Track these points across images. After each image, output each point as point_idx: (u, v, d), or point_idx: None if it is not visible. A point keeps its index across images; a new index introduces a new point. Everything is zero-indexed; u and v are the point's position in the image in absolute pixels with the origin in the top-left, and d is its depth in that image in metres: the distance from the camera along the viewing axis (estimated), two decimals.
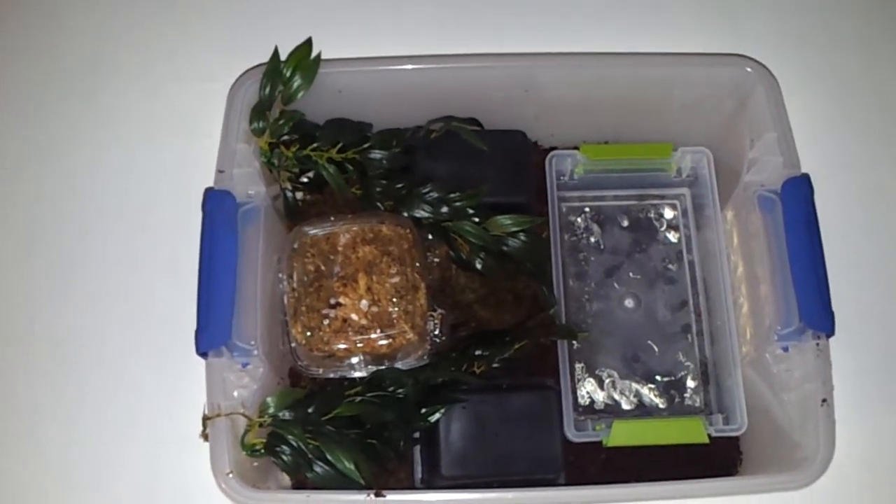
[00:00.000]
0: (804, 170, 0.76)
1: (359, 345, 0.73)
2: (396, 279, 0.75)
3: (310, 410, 0.69)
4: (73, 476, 0.79)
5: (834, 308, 0.72)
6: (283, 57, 0.76)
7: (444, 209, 0.78)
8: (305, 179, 0.82)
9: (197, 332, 0.68)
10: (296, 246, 0.76)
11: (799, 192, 0.75)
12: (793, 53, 0.91)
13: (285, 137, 0.77)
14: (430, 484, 0.76)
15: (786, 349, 0.73)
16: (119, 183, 0.88)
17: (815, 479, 0.69)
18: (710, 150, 0.85)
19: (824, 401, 0.71)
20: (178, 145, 0.89)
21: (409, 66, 0.78)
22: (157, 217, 0.86)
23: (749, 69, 0.79)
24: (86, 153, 0.89)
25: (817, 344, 0.72)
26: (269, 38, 0.77)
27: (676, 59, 0.82)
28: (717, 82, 0.81)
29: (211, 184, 0.74)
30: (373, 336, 0.73)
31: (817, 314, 0.72)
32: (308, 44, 0.76)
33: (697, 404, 0.84)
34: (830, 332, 0.72)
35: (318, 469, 0.68)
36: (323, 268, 0.75)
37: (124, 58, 0.93)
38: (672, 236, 0.89)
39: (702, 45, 0.85)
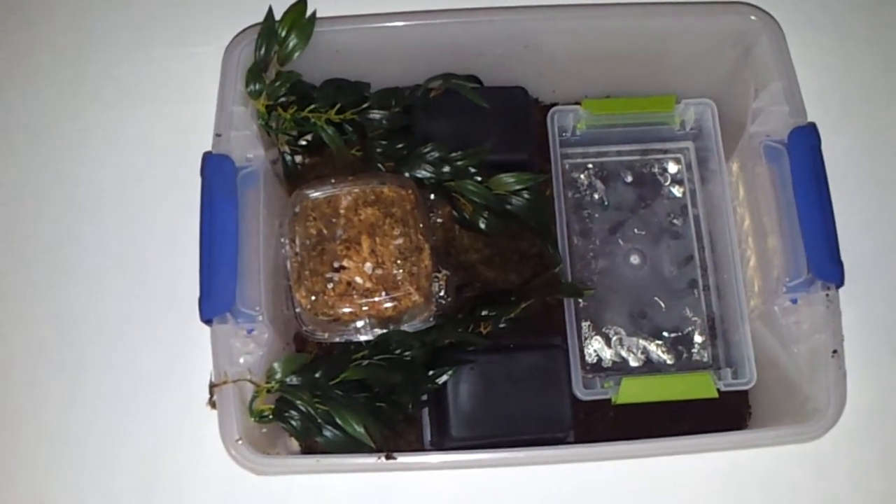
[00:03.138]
0: (810, 119, 0.75)
1: (364, 308, 0.72)
2: (400, 241, 0.74)
3: (317, 375, 0.69)
4: (80, 449, 0.78)
5: (843, 258, 0.71)
6: (277, 17, 0.74)
7: (446, 169, 0.76)
8: (304, 142, 0.80)
9: (200, 300, 0.67)
10: (297, 210, 0.75)
11: (806, 141, 0.74)
12: (796, 1, 0.89)
13: (282, 99, 0.75)
14: (439, 445, 0.76)
15: (794, 301, 0.73)
16: (114, 152, 0.87)
17: (826, 431, 0.69)
18: (713, 101, 0.84)
19: (835, 352, 0.70)
20: (173, 112, 0.88)
21: (407, 23, 0.77)
22: (154, 185, 0.85)
23: (753, 17, 0.77)
24: (78, 123, 0.88)
25: (827, 295, 0.71)
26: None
27: (678, 8, 0.80)
28: (720, 32, 0.79)
29: (207, 149, 0.72)
30: (378, 299, 0.72)
31: (826, 265, 0.71)
32: (303, 3, 0.74)
33: (705, 359, 0.83)
34: (840, 282, 0.71)
35: (327, 433, 0.67)
36: (325, 231, 0.74)
37: (113, 25, 0.91)
38: (676, 190, 0.88)
39: None
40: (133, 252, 0.83)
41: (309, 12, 0.74)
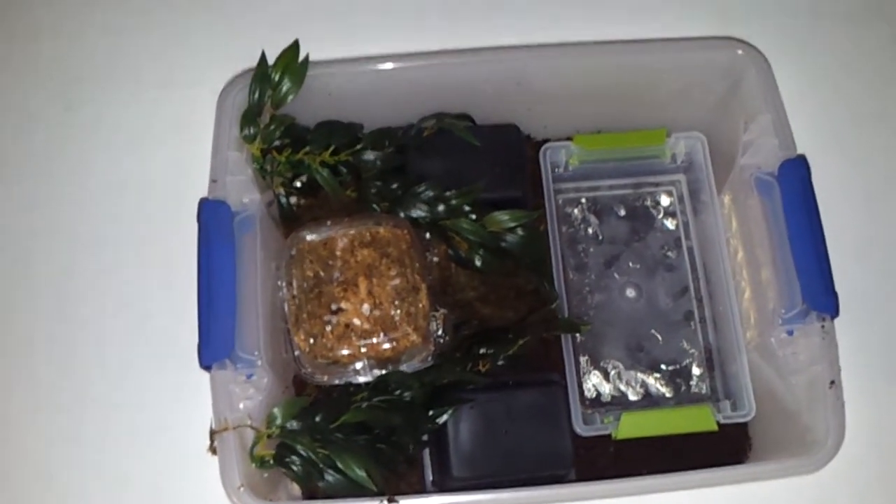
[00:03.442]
0: (799, 151, 0.76)
1: (363, 349, 0.72)
2: (397, 281, 0.74)
3: (317, 419, 0.69)
4: (80, 498, 0.78)
5: (837, 289, 0.71)
6: (270, 61, 0.75)
7: (441, 208, 0.77)
8: (299, 184, 0.81)
9: (199, 346, 0.67)
10: (293, 252, 0.75)
11: (796, 173, 0.74)
12: (781, 34, 0.90)
13: (277, 142, 0.76)
14: (441, 486, 0.76)
15: (790, 333, 0.73)
16: (108, 195, 0.87)
17: (827, 463, 0.69)
18: (703, 134, 0.84)
19: (832, 383, 0.71)
20: (167, 153, 0.87)
21: (398, 65, 0.77)
22: (150, 228, 0.85)
23: (740, 51, 0.78)
24: (71, 165, 0.88)
25: (822, 326, 0.72)
26: (255, 40, 0.76)
27: (666, 45, 0.81)
28: (708, 66, 0.80)
29: (203, 191, 0.73)
30: (376, 340, 0.72)
31: (821, 296, 0.71)
32: (295, 46, 0.75)
33: (704, 391, 0.83)
34: (835, 313, 0.71)
35: (329, 478, 0.67)
36: (322, 273, 0.74)
37: (108, 66, 0.91)
38: (670, 223, 0.88)
39: (691, 30, 0.84)
40: (129, 297, 0.83)
41: (302, 56, 0.75)
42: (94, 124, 0.89)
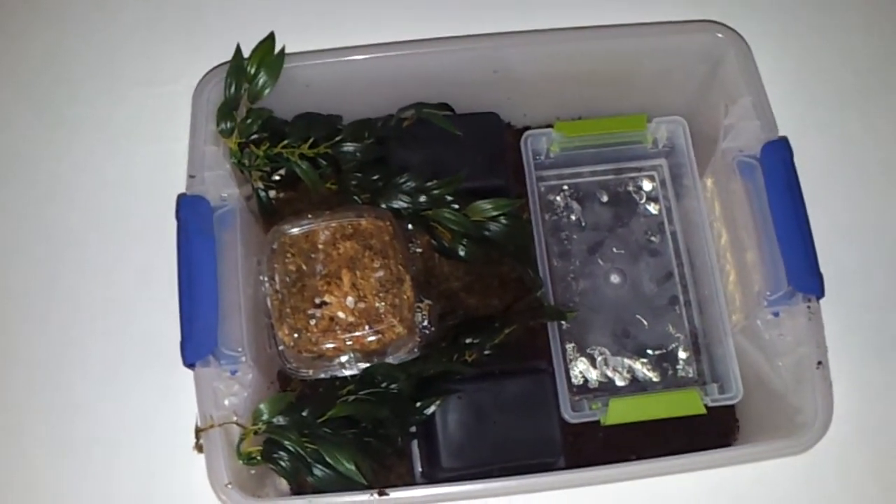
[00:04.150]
0: (781, 133, 0.75)
1: (348, 343, 0.72)
2: (380, 273, 0.73)
3: (304, 413, 0.68)
4: (67, 499, 0.77)
5: (822, 270, 0.71)
6: (245, 54, 0.74)
7: (423, 198, 0.76)
8: (278, 177, 0.80)
9: (182, 344, 0.67)
10: (275, 246, 0.74)
11: (778, 155, 0.74)
12: (760, 16, 0.91)
13: (254, 136, 0.75)
14: (430, 477, 0.75)
15: (776, 314, 0.73)
16: (86, 193, 0.86)
17: (815, 443, 0.69)
18: (685, 118, 0.84)
19: (819, 363, 0.71)
20: (144, 151, 0.87)
21: (375, 55, 0.77)
22: (129, 226, 0.84)
23: (719, 34, 0.78)
24: (49, 164, 0.87)
25: (808, 307, 0.72)
26: (229, 35, 0.75)
27: (644, 28, 0.80)
28: (688, 50, 0.80)
29: (181, 189, 0.72)
30: (361, 333, 0.72)
31: (806, 277, 0.71)
32: (271, 39, 0.74)
33: (691, 375, 0.83)
34: (820, 294, 0.71)
35: (317, 472, 0.66)
36: (304, 267, 0.73)
37: (82, 65, 0.90)
38: (652, 208, 0.88)
39: (670, 14, 0.84)
40: (110, 296, 0.82)
41: (277, 48, 0.74)
42: (70, 123, 0.88)
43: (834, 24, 0.92)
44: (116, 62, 0.90)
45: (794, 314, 0.72)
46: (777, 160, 0.74)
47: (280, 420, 0.68)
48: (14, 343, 0.81)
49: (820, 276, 0.71)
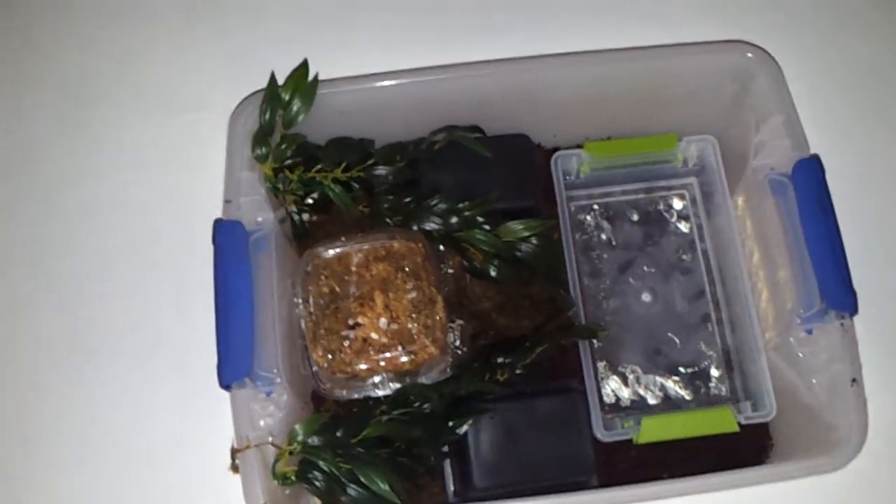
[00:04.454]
0: (812, 150, 0.75)
1: (381, 363, 0.73)
2: (413, 294, 0.74)
3: (338, 434, 0.69)
4: None
5: (855, 286, 0.71)
6: (280, 81, 0.75)
7: (454, 219, 0.77)
8: (311, 200, 0.81)
9: (219, 366, 0.68)
10: (309, 269, 0.75)
11: (810, 173, 0.74)
12: (790, 35, 0.90)
13: (289, 161, 0.76)
14: (463, 496, 0.76)
15: (810, 332, 0.73)
16: (123, 219, 0.87)
17: (850, 461, 0.69)
18: (715, 137, 0.84)
19: (854, 380, 0.70)
20: (179, 177, 0.88)
21: (406, 80, 0.78)
22: (166, 251, 0.85)
23: (750, 54, 0.78)
24: (83, 192, 0.88)
25: (842, 324, 0.72)
26: (260, 63, 0.77)
27: (675, 49, 0.81)
28: (718, 70, 0.81)
29: (213, 214, 0.73)
30: (394, 353, 0.73)
31: (839, 294, 0.71)
32: (305, 66, 0.75)
33: (723, 393, 0.83)
34: (854, 311, 0.71)
35: (352, 492, 0.67)
36: (338, 289, 0.74)
37: (119, 90, 0.92)
38: (683, 226, 0.88)
39: (699, 34, 0.84)
40: (146, 320, 0.84)
41: (311, 75, 0.75)
42: (107, 149, 0.90)
43: (863, 41, 0.92)
44: (151, 88, 0.92)
45: (828, 331, 0.72)
46: (809, 178, 0.74)
47: (315, 440, 0.69)
48: (52, 370, 0.83)
49: (853, 293, 0.71)
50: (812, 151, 0.75)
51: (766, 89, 0.78)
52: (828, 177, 0.74)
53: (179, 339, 0.82)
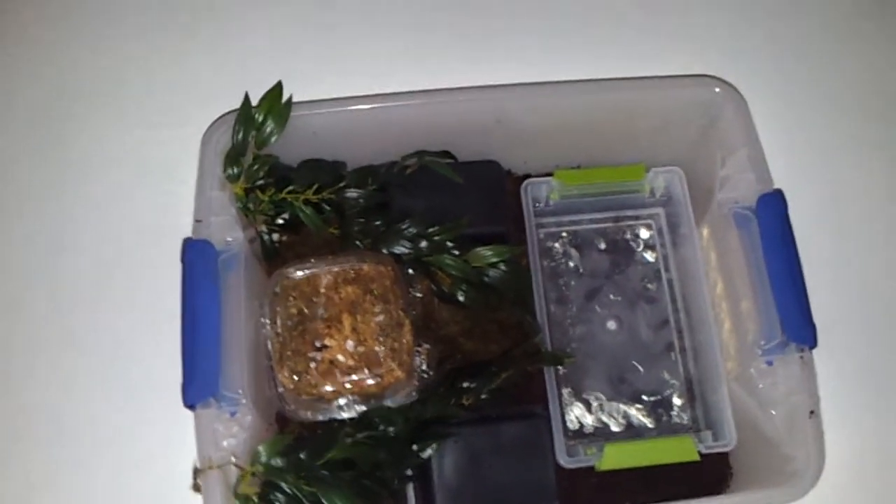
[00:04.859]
0: (776, 185, 0.77)
1: (347, 386, 0.73)
2: (381, 317, 0.75)
3: (302, 455, 0.69)
4: None
5: (815, 320, 0.73)
6: (254, 102, 0.76)
7: (424, 244, 0.78)
8: (281, 220, 0.81)
9: (184, 385, 0.68)
10: (277, 290, 0.76)
11: (773, 207, 0.76)
12: (757, 70, 0.92)
13: (260, 182, 0.76)
14: None
15: (770, 363, 0.74)
16: (91, 235, 0.87)
17: (807, 492, 0.70)
18: (682, 169, 0.86)
19: (812, 412, 0.72)
20: (149, 194, 0.88)
21: (380, 105, 0.78)
22: (133, 268, 0.85)
23: (717, 89, 0.80)
24: (53, 206, 0.88)
25: (801, 356, 0.73)
26: (238, 82, 0.77)
27: (643, 82, 0.83)
28: (687, 103, 0.82)
29: (186, 230, 0.73)
30: (361, 376, 0.73)
31: (799, 327, 0.73)
32: (279, 88, 0.76)
33: (685, 422, 0.84)
34: (813, 344, 0.73)
35: None
36: (306, 310, 0.75)
37: (91, 106, 0.92)
38: (649, 256, 0.90)
39: (668, 68, 0.86)
40: (111, 336, 0.83)
41: (285, 97, 0.76)
42: (76, 164, 0.89)
43: (829, 79, 0.94)
44: (125, 104, 0.92)
45: (788, 363, 0.73)
46: (772, 212, 0.76)
47: (278, 462, 0.68)
48: (15, 383, 0.82)
49: (813, 326, 0.73)
50: (776, 186, 0.77)
51: (732, 123, 0.79)
52: (791, 211, 0.76)
53: (144, 357, 0.81)
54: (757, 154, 0.78)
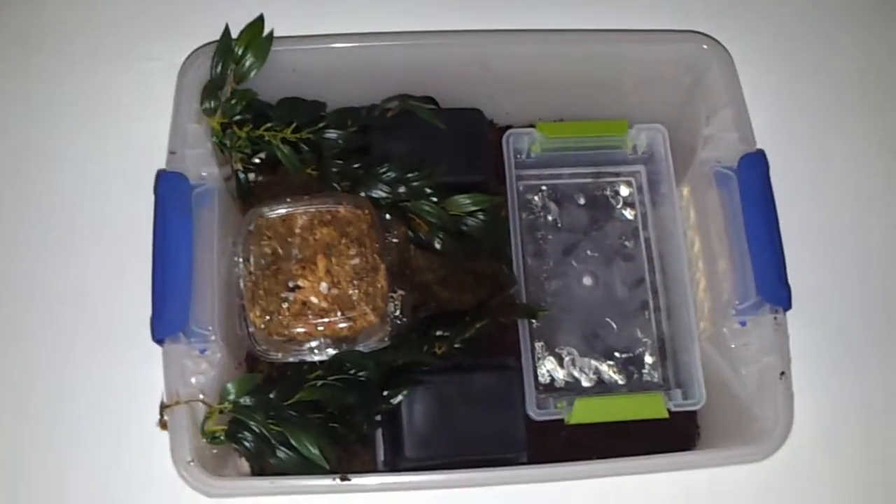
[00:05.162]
0: (759, 146, 0.77)
1: (319, 328, 0.72)
2: (356, 261, 0.74)
3: (271, 396, 0.68)
4: (27, 469, 0.76)
5: (790, 282, 0.73)
6: (234, 34, 0.74)
7: (402, 189, 0.77)
8: (258, 160, 0.80)
9: (152, 319, 0.67)
10: (251, 228, 0.74)
11: (755, 167, 0.75)
12: (746, 28, 0.91)
13: (238, 117, 0.75)
14: (393, 466, 0.76)
15: (743, 324, 0.74)
16: (63, 168, 0.84)
17: (774, 452, 0.70)
18: (665, 126, 0.85)
19: (782, 374, 0.72)
20: (122, 127, 0.86)
21: (363, 44, 0.77)
22: (104, 203, 0.83)
23: (704, 46, 0.79)
24: (24, 138, 0.86)
25: (775, 318, 0.73)
26: (215, 15, 0.76)
27: (631, 35, 0.82)
28: (672, 59, 0.81)
29: (160, 166, 0.72)
30: (333, 319, 0.72)
31: (774, 288, 0.73)
32: (260, 21, 0.74)
33: (656, 380, 0.84)
34: (787, 306, 0.73)
35: (281, 455, 0.67)
36: (280, 251, 0.73)
37: (65, 37, 0.89)
38: (628, 213, 0.89)
39: (656, 22, 0.85)
40: (82, 271, 0.81)
41: (266, 31, 0.74)
42: (50, 96, 0.87)
43: (819, 40, 0.93)
44: (99, 36, 0.89)
45: (761, 324, 0.74)
46: (753, 173, 0.75)
47: (246, 401, 0.68)
48: None
49: (788, 289, 0.73)
50: (759, 146, 0.76)
51: (718, 82, 0.79)
52: (772, 173, 0.75)
53: (113, 290, 0.80)
54: (741, 113, 0.77)
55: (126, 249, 0.81)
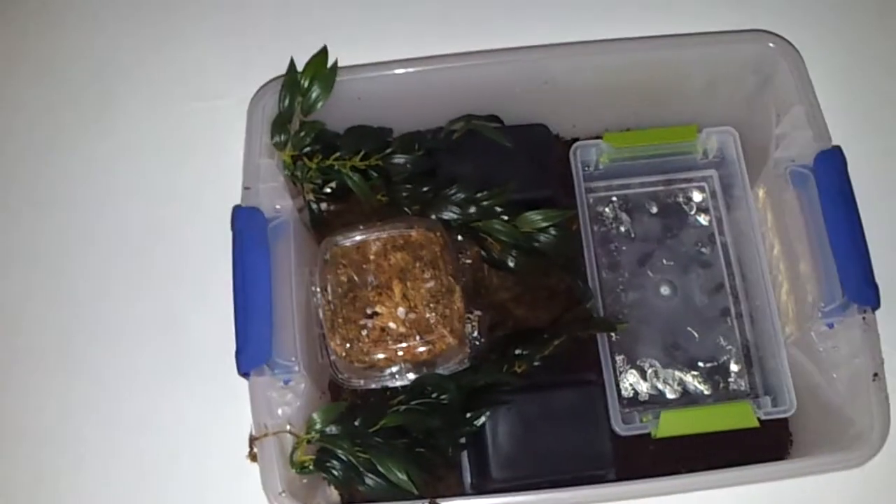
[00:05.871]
0: (834, 141, 0.75)
1: (399, 353, 0.72)
2: (431, 284, 0.74)
3: (356, 423, 0.68)
4: None
5: (877, 280, 0.70)
6: (298, 67, 0.75)
7: (472, 209, 0.77)
8: (329, 189, 0.81)
9: (237, 353, 0.67)
10: (327, 257, 0.75)
11: (832, 164, 0.73)
12: (812, 23, 0.90)
13: (307, 149, 0.76)
14: (480, 488, 0.75)
15: (831, 326, 0.72)
16: (141, 207, 0.88)
17: (871, 457, 0.68)
18: (735, 128, 0.84)
19: (875, 375, 0.70)
20: (196, 164, 0.89)
21: (425, 68, 0.78)
22: (183, 239, 0.85)
23: (771, 44, 0.78)
24: (103, 180, 0.89)
25: (863, 318, 0.71)
26: (276, 51, 0.77)
27: (694, 38, 0.81)
28: (739, 60, 0.80)
29: (234, 200, 0.73)
30: (412, 343, 0.72)
31: (861, 288, 0.70)
32: (324, 53, 0.75)
33: (743, 388, 0.83)
34: (876, 304, 0.71)
35: (369, 481, 0.67)
36: (356, 278, 0.74)
37: (137, 78, 0.93)
38: (703, 219, 0.88)
39: (720, 23, 0.83)
40: (164, 307, 0.84)
41: (330, 62, 0.75)
42: (125, 137, 0.90)
43: (887, 31, 0.91)
44: (170, 76, 0.92)
45: (849, 325, 0.71)
46: (831, 169, 0.74)
47: (333, 429, 0.68)
48: (70, 355, 0.83)
49: (876, 287, 0.71)
50: (834, 143, 0.74)
51: (787, 80, 0.77)
52: (850, 168, 0.73)
53: (198, 326, 0.82)
54: (814, 110, 0.76)
55: (206, 284, 0.83)
